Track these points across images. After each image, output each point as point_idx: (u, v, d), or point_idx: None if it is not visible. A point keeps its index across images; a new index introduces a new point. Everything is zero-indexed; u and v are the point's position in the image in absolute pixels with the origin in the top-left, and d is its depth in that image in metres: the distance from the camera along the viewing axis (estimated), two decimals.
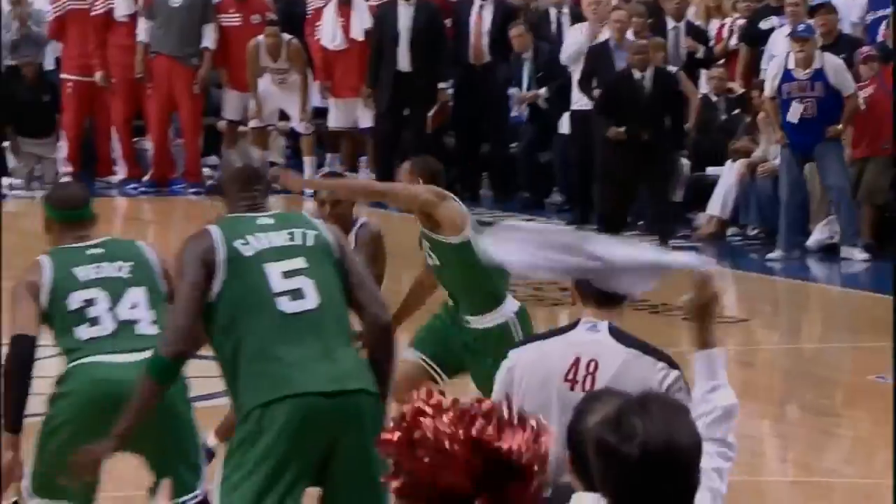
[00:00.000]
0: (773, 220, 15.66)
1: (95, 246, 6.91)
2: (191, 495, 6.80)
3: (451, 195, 8.82)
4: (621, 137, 16.43)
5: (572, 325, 5.15)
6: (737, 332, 12.91)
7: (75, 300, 6.81)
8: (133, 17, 20.41)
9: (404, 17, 19.28)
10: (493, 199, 18.70)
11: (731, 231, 16.13)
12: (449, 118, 19.23)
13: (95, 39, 20.59)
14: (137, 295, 6.83)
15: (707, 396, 4.29)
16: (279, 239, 6.31)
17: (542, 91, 18.58)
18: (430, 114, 19.35)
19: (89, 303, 6.80)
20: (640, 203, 16.47)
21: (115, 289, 6.80)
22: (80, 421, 6.66)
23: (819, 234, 15.16)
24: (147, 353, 6.37)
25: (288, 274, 6.11)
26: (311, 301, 5.99)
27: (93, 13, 20.56)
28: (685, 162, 17.15)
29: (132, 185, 20.29)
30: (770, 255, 14.92)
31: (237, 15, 20.45)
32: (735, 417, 4.32)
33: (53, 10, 21.17)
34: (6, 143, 20.16)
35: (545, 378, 5.16)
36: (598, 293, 5.21)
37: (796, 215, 15.53)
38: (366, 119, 19.97)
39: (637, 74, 16.22)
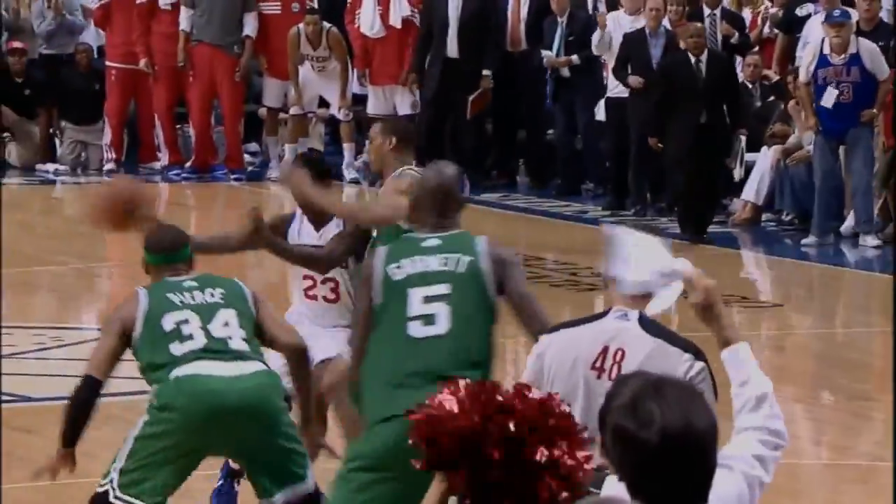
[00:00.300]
0: (807, 206, 15.54)
1: (191, 280, 7.16)
2: (296, 488, 6.98)
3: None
4: (639, 85, 16.70)
5: (604, 313, 5.18)
6: (771, 317, 13.10)
7: (168, 322, 6.96)
8: (176, 6, 20.56)
9: (454, 4, 19.41)
10: (529, 186, 18.65)
11: (765, 217, 16.12)
12: (489, 104, 18.98)
13: (139, 28, 20.70)
14: (229, 315, 6.99)
15: (739, 391, 4.25)
16: (434, 263, 6.53)
17: (574, 58, 18.38)
18: (471, 98, 19.19)
19: (182, 322, 6.95)
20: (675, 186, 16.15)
21: (208, 311, 6.99)
22: (182, 431, 6.85)
23: (853, 219, 15.14)
24: (242, 366, 6.81)
25: (428, 299, 6.32)
26: (441, 327, 6.18)
27: (137, 2, 20.71)
28: (743, 140, 16.84)
29: (174, 171, 20.39)
30: (804, 241, 14.97)
31: (277, 3, 20.57)
32: (768, 402, 4.21)
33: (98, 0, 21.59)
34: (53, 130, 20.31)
35: (573, 364, 5.18)
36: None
37: (830, 201, 15.53)
38: (405, 106, 19.89)
39: (692, 59, 16.23)
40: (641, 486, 3.19)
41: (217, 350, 6.93)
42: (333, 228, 8.99)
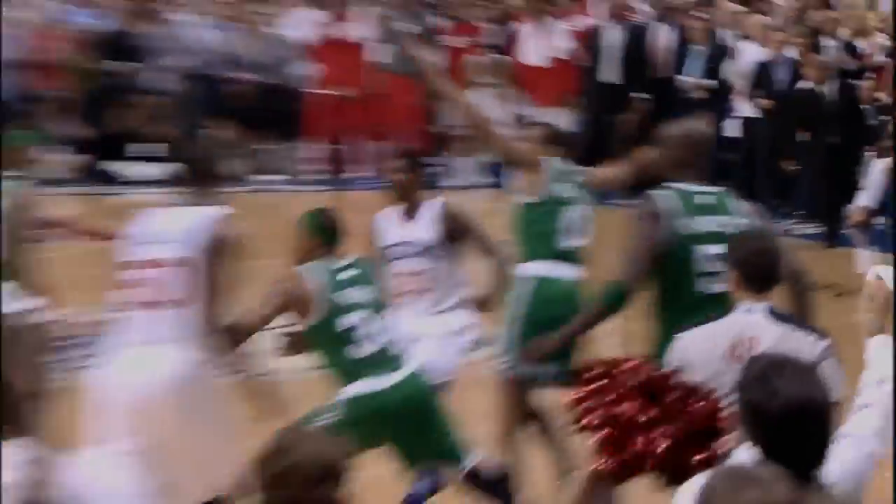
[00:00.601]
0: None
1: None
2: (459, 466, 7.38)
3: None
4: (767, 107, 17.88)
5: (732, 310, 5.72)
6: None
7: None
8: (369, 41, 21.61)
9: (612, 36, 20.69)
10: None
11: (878, 220, 16.86)
12: (641, 125, 19.50)
13: (346, 61, 21.72)
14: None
15: (876, 386, 4.65)
16: (713, 224, 6.83)
17: (712, 82, 19.29)
18: (623, 118, 19.98)
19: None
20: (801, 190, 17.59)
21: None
22: None
23: None
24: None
25: (712, 258, 6.57)
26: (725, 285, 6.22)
27: (347, 40, 21.87)
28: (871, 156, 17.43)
29: (370, 181, 21.07)
30: None
31: (456, 38, 21.86)
32: (889, 383, 4.63)
33: (315, 38, 22.43)
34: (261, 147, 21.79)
35: (711, 355, 5.72)
36: (756, 280, 5.86)
37: None
38: (562, 120, 20.14)
39: (818, 86, 17.30)
40: (770, 450, 3.69)
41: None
42: (422, 224, 9.03)
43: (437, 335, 8.50)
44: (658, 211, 6.91)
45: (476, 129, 9.17)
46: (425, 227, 8.51)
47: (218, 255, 7.11)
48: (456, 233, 8.68)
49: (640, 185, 8.03)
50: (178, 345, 6.93)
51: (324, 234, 7.86)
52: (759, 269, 5.86)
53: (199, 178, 7.49)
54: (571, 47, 21.23)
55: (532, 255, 8.42)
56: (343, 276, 7.55)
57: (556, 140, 8.76)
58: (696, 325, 5.87)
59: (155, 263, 7.07)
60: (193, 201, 7.31)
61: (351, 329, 7.39)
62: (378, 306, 7.49)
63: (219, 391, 7.12)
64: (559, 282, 7.89)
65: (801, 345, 5.56)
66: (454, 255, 8.75)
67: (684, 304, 6.70)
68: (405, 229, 8.85)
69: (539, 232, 8.04)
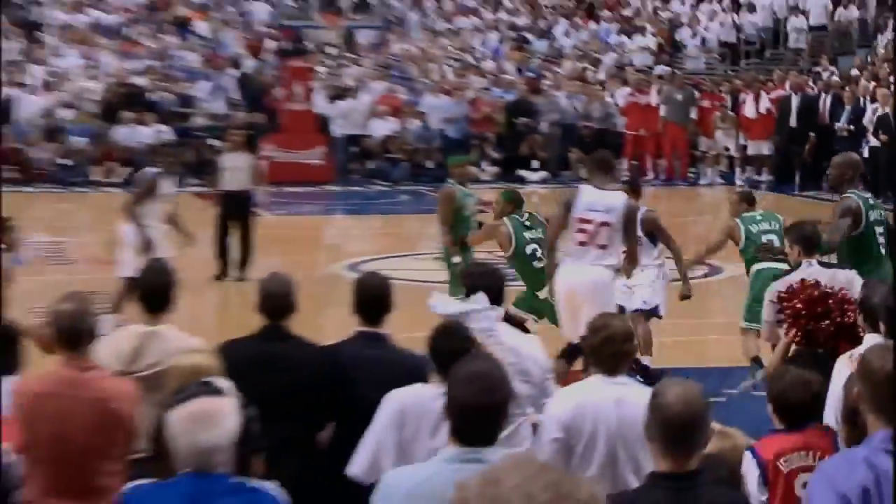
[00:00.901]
0: None
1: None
2: None
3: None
4: (885, 141, 21.72)
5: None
6: None
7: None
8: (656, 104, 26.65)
9: (797, 101, 25.37)
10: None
11: None
12: (813, 152, 24.13)
13: (642, 114, 26.73)
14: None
15: None
16: (877, 214, 9.59)
17: (851, 127, 23.62)
18: (802, 149, 24.63)
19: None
20: None
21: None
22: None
23: None
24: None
25: (880, 234, 9.45)
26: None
27: (642, 103, 26.93)
28: None
29: (654, 182, 25.56)
30: None
31: (707, 100, 26.99)
32: None
33: (626, 102, 27.48)
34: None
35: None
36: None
37: None
38: (765, 149, 26.17)
39: None
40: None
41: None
42: None
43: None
44: (854, 204, 9.57)
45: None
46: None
47: (630, 222, 9.76)
48: (650, 230, 11.04)
49: (833, 189, 11.03)
50: (599, 266, 9.60)
51: (516, 202, 11.14)
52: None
53: (601, 171, 9.96)
54: (772, 107, 26.11)
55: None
56: (525, 225, 10.77)
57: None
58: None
59: (589, 222, 9.58)
60: (604, 187, 9.75)
61: (534, 252, 10.61)
62: (543, 243, 10.37)
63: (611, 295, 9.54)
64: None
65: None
66: (649, 243, 11.12)
67: (869, 257, 9.45)
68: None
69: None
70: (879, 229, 9.46)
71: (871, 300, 6.18)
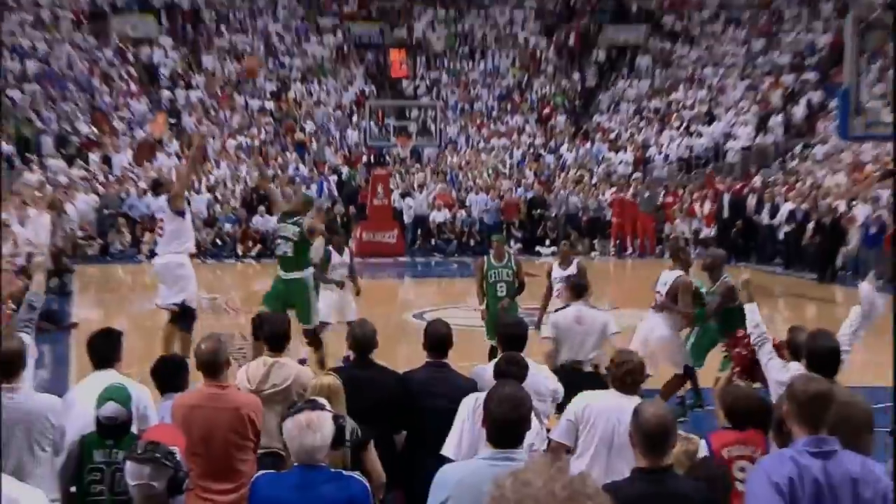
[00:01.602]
0: None
1: None
2: None
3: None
4: None
5: None
6: None
7: None
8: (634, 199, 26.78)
9: (727, 201, 25.16)
10: None
11: None
12: None
13: (624, 209, 26.43)
14: None
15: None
16: None
17: None
18: (736, 231, 23.83)
19: None
20: None
21: None
22: None
23: None
24: None
25: None
26: None
27: (624, 199, 26.69)
28: None
29: (634, 255, 25.77)
30: None
31: (668, 198, 27.15)
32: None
33: (612, 199, 27.16)
34: None
35: None
36: None
37: None
38: (711, 232, 25.19)
39: None
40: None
41: None
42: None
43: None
44: (731, 283, 9.52)
45: None
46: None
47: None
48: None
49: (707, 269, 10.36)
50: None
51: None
52: None
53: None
54: (713, 203, 25.82)
55: None
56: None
57: None
58: None
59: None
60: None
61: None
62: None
63: None
64: None
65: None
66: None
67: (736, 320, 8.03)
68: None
69: None
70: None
71: (797, 340, 6.11)
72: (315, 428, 4.13)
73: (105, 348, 5.96)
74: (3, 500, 3.62)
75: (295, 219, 10.61)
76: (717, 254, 10.80)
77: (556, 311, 9.35)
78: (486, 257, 11.62)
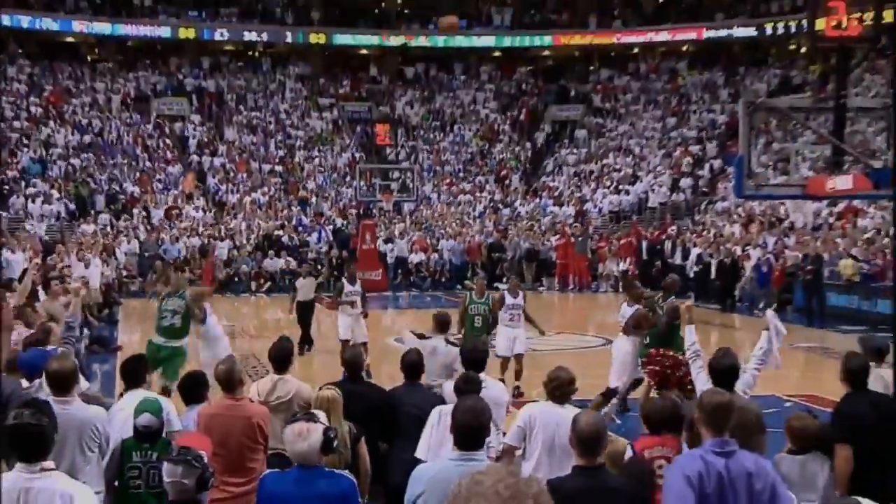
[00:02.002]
0: None
1: None
2: None
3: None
4: None
5: None
6: None
7: None
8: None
9: (646, 246, 25.20)
10: None
11: None
12: None
13: (565, 252, 26.62)
14: None
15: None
16: None
17: None
18: (654, 271, 22.82)
19: None
20: None
21: None
22: None
23: None
24: None
25: None
26: None
27: (565, 243, 27.42)
28: None
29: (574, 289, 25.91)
30: None
31: (601, 243, 28.52)
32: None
33: (556, 243, 26.95)
34: None
35: None
36: None
37: None
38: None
39: None
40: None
41: None
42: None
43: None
44: (673, 306, 9.03)
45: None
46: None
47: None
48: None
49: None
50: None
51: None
52: None
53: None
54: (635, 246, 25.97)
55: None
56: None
57: None
58: None
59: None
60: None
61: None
62: None
63: None
64: None
65: None
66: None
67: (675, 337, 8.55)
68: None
69: None
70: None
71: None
72: (305, 437, 4.11)
73: (134, 371, 5.95)
74: (59, 494, 3.63)
75: (179, 293, 9.79)
76: (675, 279, 10.81)
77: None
78: (469, 293, 11.42)
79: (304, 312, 14.50)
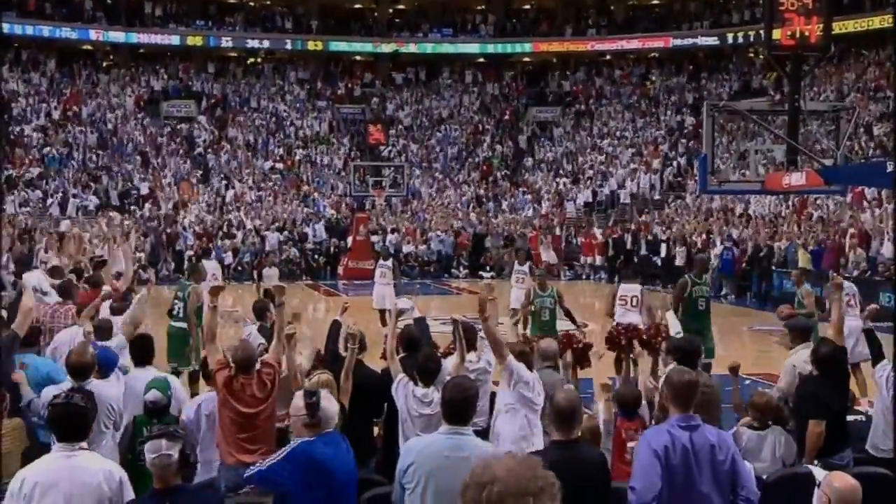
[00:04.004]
0: None
1: None
2: None
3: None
4: None
5: None
6: None
7: None
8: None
9: (611, 240, 25.08)
10: None
11: None
12: None
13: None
14: None
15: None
16: None
17: None
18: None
19: None
20: None
21: None
22: None
23: None
24: None
25: None
26: None
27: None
28: None
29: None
30: None
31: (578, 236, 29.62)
32: None
33: (531, 234, 26.61)
34: None
35: None
36: None
37: None
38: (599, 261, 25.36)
39: None
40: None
41: None
42: None
43: None
44: (683, 282, 9.01)
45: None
46: None
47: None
48: None
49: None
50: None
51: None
52: None
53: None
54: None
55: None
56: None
57: None
58: None
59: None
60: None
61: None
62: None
63: None
64: None
65: None
66: None
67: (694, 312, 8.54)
68: None
69: None
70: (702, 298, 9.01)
71: (672, 342, 6.04)
72: (329, 399, 4.05)
73: (142, 350, 5.94)
74: (99, 470, 3.61)
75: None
76: (703, 258, 10.68)
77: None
78: (532, 288, 10.51)
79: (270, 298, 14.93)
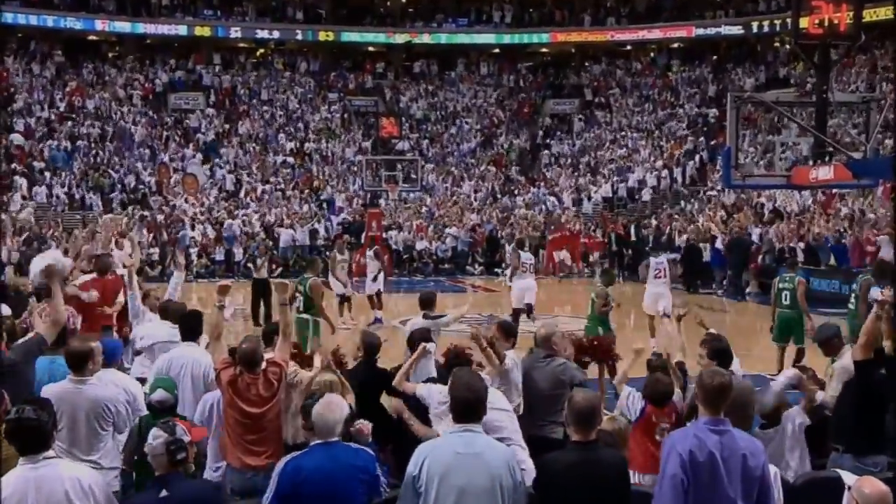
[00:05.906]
0: None
1: None
2: None
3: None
4: None
5: None
6: None
7: None
8: None
9: (614, 236, 25.08)
10: None
11: None
12: None
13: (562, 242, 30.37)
14: None
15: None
16: None
17: None
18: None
19: None
20: None
21: None
22: None
23: None
24: None
25: None
26: None
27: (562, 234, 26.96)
28: None
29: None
30: None
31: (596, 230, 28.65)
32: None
33: (551, 236, 26.93)
34: None
35: None
36: None
37: None
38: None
39: None
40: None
41: None
42: None
43: None
44: None
45: None
46: None
47: None
48: None
49: None
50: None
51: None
52: None
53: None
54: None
55: None
56: None
57: None
58: None
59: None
60: None
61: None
62: None
63: None
64: None
65: None
66: None
67: None
68: None
69: None
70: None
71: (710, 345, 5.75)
72: (333, 409, 4.07)
73: (191, 326, 6.11)
74: (66, 478, 3.57)
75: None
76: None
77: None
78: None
79: (262, 288, 15.79)
